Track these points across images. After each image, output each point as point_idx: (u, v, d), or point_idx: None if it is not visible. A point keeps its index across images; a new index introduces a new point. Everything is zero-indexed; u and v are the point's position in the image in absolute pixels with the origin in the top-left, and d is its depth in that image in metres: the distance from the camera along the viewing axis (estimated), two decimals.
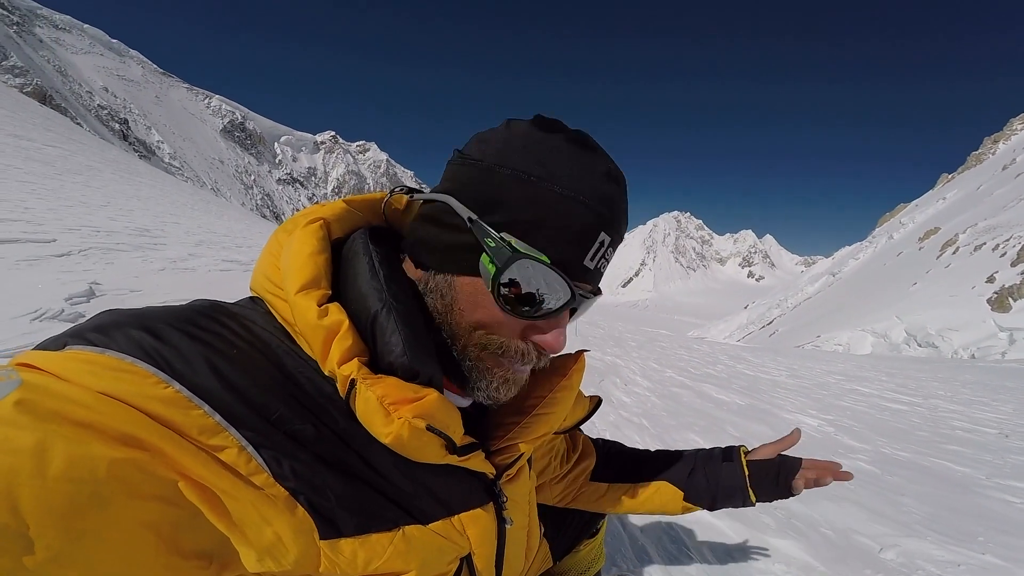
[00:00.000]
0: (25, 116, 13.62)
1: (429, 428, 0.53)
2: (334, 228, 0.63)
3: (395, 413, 0.52)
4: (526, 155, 0.56)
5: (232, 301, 0.61)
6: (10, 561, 0.36)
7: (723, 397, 4.57)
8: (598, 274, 0.60)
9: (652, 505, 1.07)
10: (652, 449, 1.16)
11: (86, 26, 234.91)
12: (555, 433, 1.00)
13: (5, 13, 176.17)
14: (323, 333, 0.52)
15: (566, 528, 1.14)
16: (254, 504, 0.46)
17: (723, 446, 1.12)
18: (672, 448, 1.14)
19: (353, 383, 0.51)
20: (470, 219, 0.55)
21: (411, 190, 0.66)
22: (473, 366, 0.60)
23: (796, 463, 1.04)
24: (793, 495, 1.03)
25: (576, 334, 7.59)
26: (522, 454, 0.73)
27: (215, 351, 0.49)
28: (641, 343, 8.05)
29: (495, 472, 0.69)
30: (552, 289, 0.55)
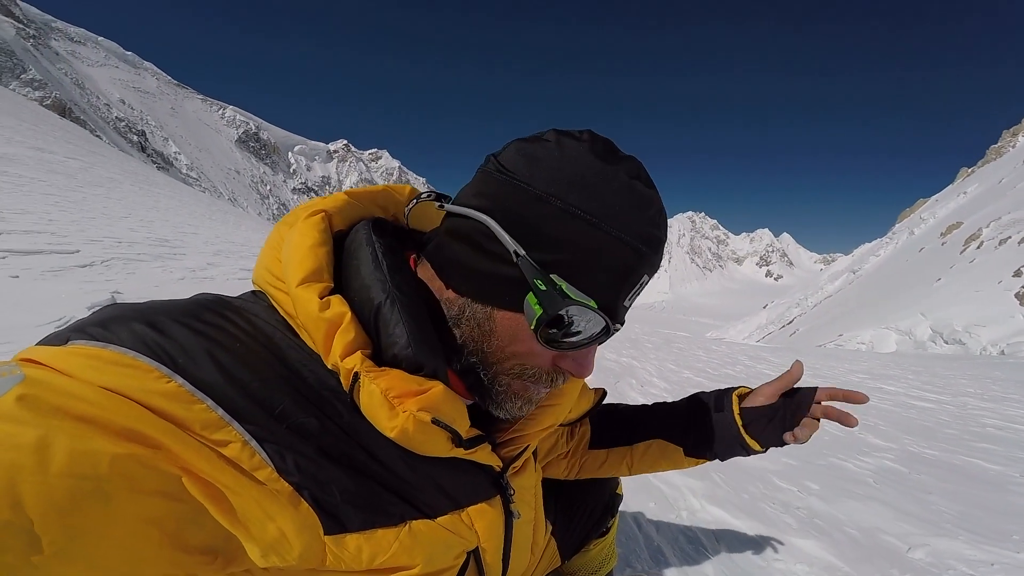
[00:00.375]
0: (46, 129, 13.99)
1: (435, 421, 0.52)
2: (336, 220, 0.61)
3: (400, 407, 0.51)
4: (583, 189, 0.53)
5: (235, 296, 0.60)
6: (14, 558, 0.36)
7: None
8: (628, 308, 0.59)
9: (657, 463, 1.02)
10: (651, 403, 1.09)
11: (100, 39, 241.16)
12: (560, 425, 1.00)
13: (21, 26, 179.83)
14: (325, 326, 0.51)
15: (574, 526, 1.11)
16: (257, 500, 0.46)
17: (721, 389, 0.99)
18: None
19: (356, 376, 0.50)
20: (517, 253, 0.52)
21: (440, 196, 0.64)
22: (502, 391, 0.60)
23: (803, 401, 0.90)
24: (800, 442, 0.90)
25: None
26: (528, 446, 0.72)
27: (217, 345, 0.48)
28: (658, 345, 7.98)
29: (502, 465, 0.68)
30: (592, 327, 0.55)
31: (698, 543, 1.72)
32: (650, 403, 1.07)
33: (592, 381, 4.37)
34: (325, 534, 0.50)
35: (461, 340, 0.58)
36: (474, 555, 0.66)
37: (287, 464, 0.47)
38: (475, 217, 0.55)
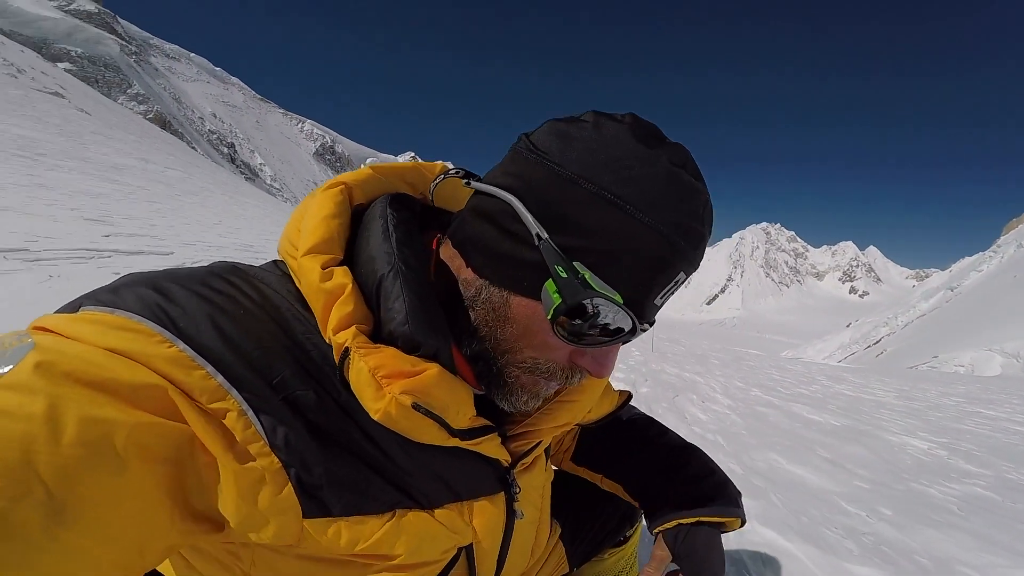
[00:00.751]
0: (150, 141, 15.52)
1: (415, 407, 0.48)
2: (356, 193, 0.59)
3: (387, 387, 0.47)
4: (619, 173, 0.48)
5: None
6: (34, 531, 0.36)
7: (816, 417, 4.24)
8: (660, 307, 0.54)
9: (620, 493, 0.95)
10: (651, 436, 0.97)
11: (192, 55, 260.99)
12: (578, 425, 0.94)
13: (124, 43, 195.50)
14: (324, 297, 0.49)
15: (586, 532, 1.01)
16: (235, 475, 0.44)
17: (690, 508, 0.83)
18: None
19: (347, 352, 0.47)
20: (539, 236, 0.48)
21: (468, 174, 0.59)
22: (510, 383, 0.56)
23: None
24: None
25: (653, 350, 7.35)
26: (540, 442, 0.68)
27: (221, 311, 0.47)
28: (726, 362, 7.69)
29: (510, 460, 0.64)
30: (614, 322, 0.50)
31: (741, 565, 1.62)
32: (661, 422, 0.99)
33: (650, 395, 4.19)
34: (304, 517, 0.48)
35: (474, 323, 0.54)
36: (467, 552, 0.63)
37: (277, 438, 0.45)
38: (500, 196, 0.51)
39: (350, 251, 0.54)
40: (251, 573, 0.52)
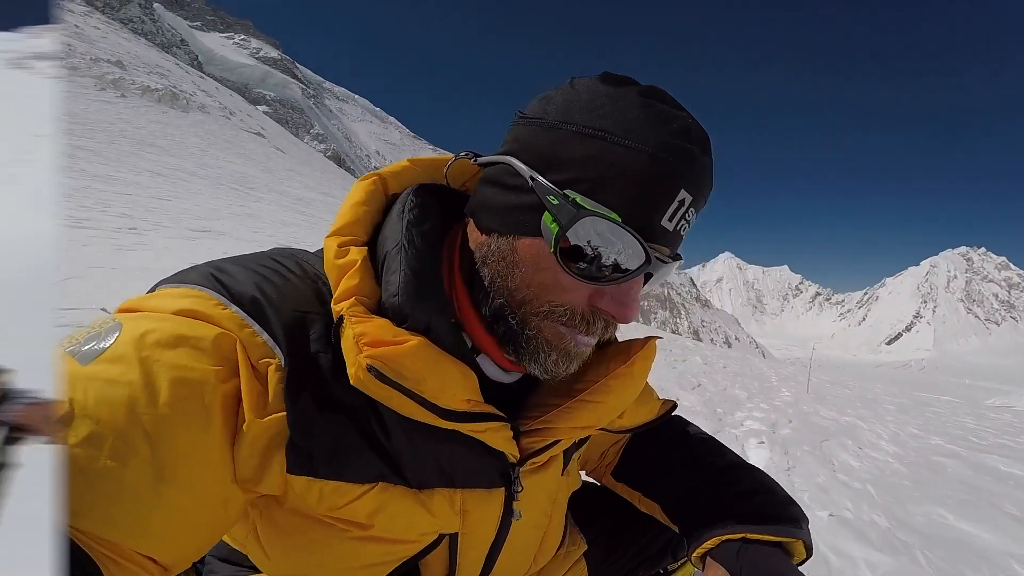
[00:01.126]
0: (329, 177, 18.19)
1: (370, 369, 0.48)
2: (391, 183, 0.63)
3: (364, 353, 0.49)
4: (592, 110, 0.52)
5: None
6: (147, 491, 0.40)
7: (1013, 471, 3.55)
8: (678, 237, 0.54)
9: (655, 515, 0.87)
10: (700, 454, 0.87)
11: (356, 96, 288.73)
12: (609, 431, 0.87)
13: (304, 86, 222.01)
14: (336, 272, 0.53)
15: (619, 555, 0.93)
16: (253, 426, 0.49)
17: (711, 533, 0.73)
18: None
19: (341, 320, 0.50)
20: (532, 177, 0.52)
21: (475, 154, 0.62)
22: (532, 336, 0.55)
23: None
24: None
25: (808, 391, 6.56)
26: (556, 442, 0.65)
27: (265, 279, 0.53)
28: (903, 407, 6.70)
29: (518, 456, 0.63)
30: (623, 250, 0.50)
31: None
32: (745, 454, 0.89)
33: (790, 437, 3.83)
34: (288, 471, 0.51)
35: (488, 280, 0.56)
36: (450, 540, 0.63)
37: (295, 394, 0.50)
38: (498, 160, 0.56)
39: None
40: (258, 523, 0.58)
